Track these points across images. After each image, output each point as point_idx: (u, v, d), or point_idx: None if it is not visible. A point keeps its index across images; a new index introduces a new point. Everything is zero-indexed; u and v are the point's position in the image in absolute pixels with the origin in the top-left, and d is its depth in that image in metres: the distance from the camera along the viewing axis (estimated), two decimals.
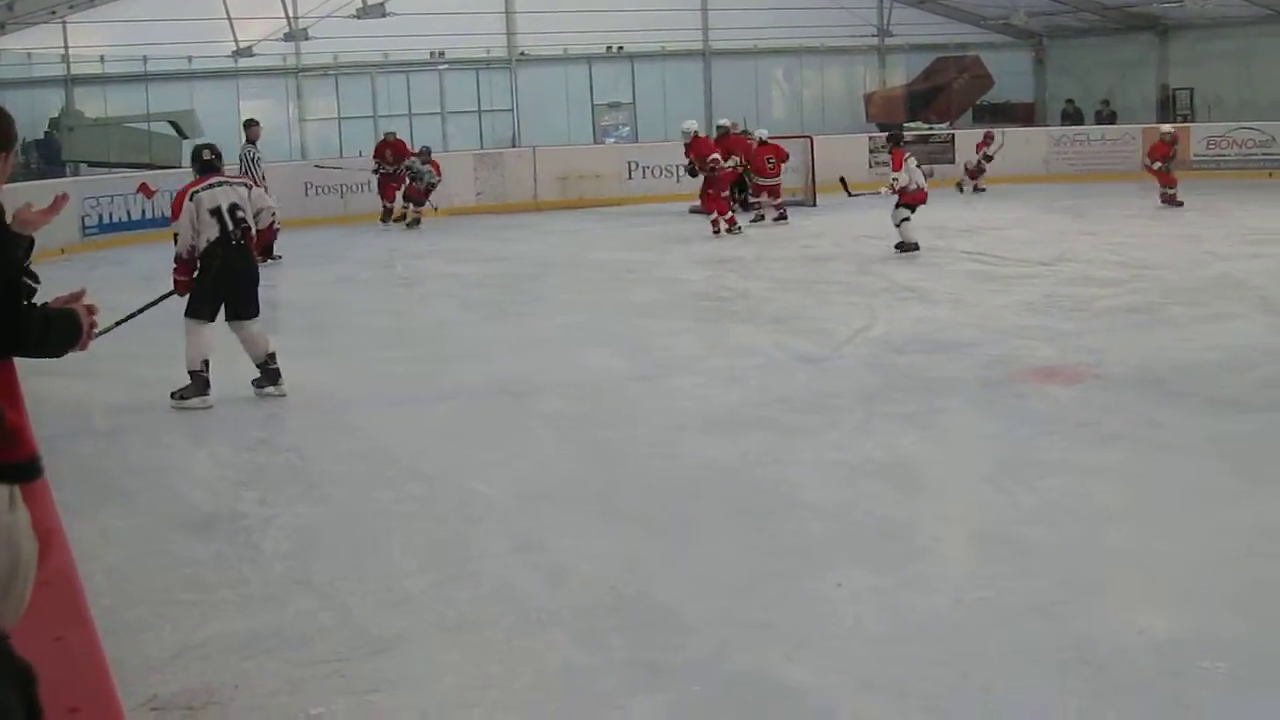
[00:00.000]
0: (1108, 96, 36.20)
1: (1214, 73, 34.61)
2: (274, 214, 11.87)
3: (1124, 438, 9.17)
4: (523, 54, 35.85)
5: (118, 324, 11.19)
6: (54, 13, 31.58)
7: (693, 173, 24.30)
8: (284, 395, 11.24)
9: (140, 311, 11.70)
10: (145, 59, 31.92)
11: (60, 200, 5.14)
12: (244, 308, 11.33)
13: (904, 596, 6.38)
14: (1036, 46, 39.98)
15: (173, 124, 32.01)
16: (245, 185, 11.81)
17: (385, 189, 27.75)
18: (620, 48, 36.51)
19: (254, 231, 11.45)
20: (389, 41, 32.62)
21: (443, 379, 12.04)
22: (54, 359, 4.36)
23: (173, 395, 11.02)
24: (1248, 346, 12.03)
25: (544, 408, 10.80)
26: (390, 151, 27.62)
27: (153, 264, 17.25)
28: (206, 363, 11.13)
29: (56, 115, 31.89)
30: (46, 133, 31.63)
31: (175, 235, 11.36)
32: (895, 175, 19.57)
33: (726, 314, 15.32)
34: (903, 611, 6.19)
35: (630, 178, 30.67)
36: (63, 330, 4.29)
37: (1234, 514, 7.45)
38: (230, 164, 22.63)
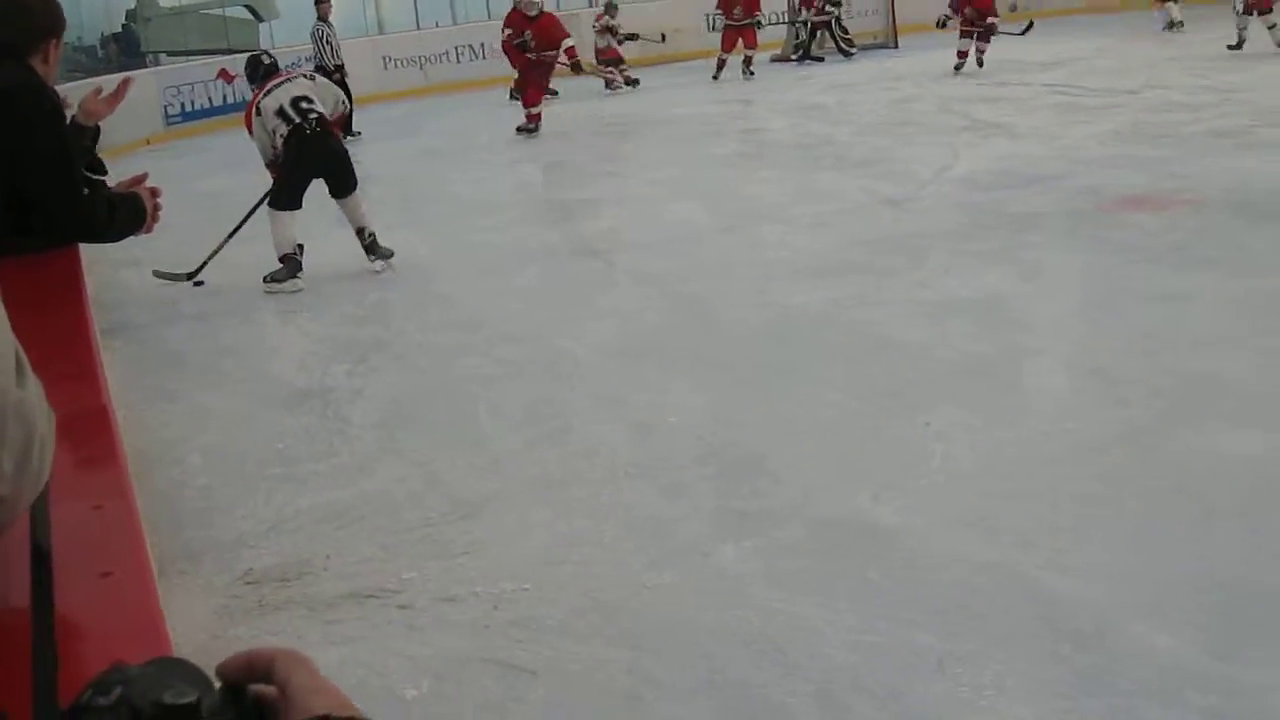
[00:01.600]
0: None
1: None
2: (341, 101, 11.91)
3: (1215, 263, 9.04)
4: None
5: (227, 238, 11.62)
6: None
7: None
8: (379, 272, 11.31)
9: (242, 223, 11.71)
10: None
11: (124, 85, 5.14)
12: (336, 186, 11.38)
13: (993, 432, 6.34)
14: None
15: (248, 7, 32.04)
16: (306, 76, 11.95)
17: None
18: None
19: (327, 116, 11.39)
20: None
21: (529, 243, 12.02)
22: (126, 239, 4.41)
23: (265, 279, 11.04)
24: None
25: (630, 264, 10.79)
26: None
27: (236, 149, 17.24)
28: (301, 246, 11.23)
29: (133, 7, 31.96)
30: (124, 25, 31.73)
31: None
32: None
33: (810, 161, 15.18)
34: (992, 447, 6.15)
35: (712, 29, 30.31)
36: (128, 214, 4.32)
37: None
38: (304, 43, 22.81)
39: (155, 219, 4.39)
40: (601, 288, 10.07)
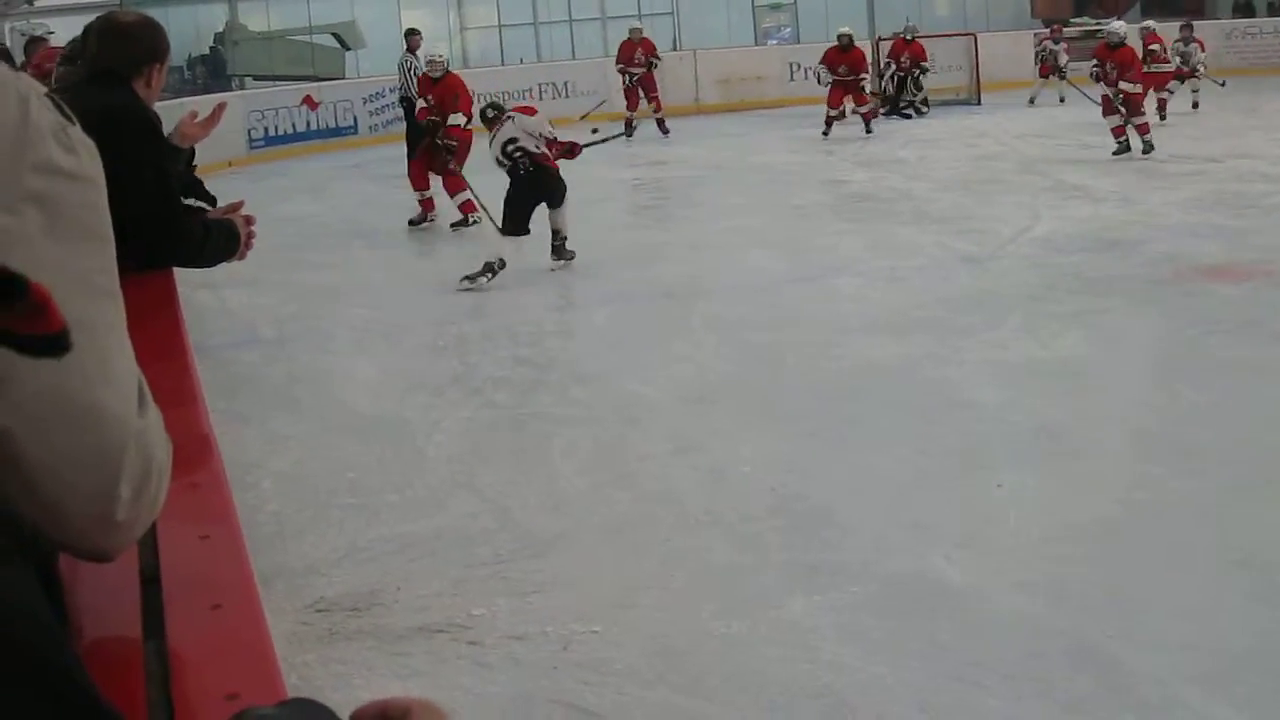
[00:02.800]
0: None
1: None
2: (543, 135, 12.82)
3: None
4: None
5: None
6: None
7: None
8: (553, 269, 12.45)
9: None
10: None
11: (219, 110, 5.19)
12: (549, 203, 12.65)
13: (1064, 497, 6.33)
14: None
15: (335, 35, 32.35)
16: (510, 117, 12.84)
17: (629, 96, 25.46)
18: None
19: (541, 151, 12.54)
20: None
21: (606, 283, 12.07)
22: (214, 268, 4.46)
23: (462, 278, 11.88)
24: None
25: (705, 310, 10.80)
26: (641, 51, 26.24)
27: (318, 175, 17.52)
28: (502, 262, 12.02)
29: (221, 30, 32.37)
30: (212, 47, 32.14)
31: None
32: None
33: (888, 215, 15.16)
34: (1062, 512, 6.14)
35: (792, 79, 30.34)
36: (222, 240, 4.37)
37: None
38: (387, 74, 22.95)
39: (249, 246, 4.44)
40: (676, 332, 10.08)
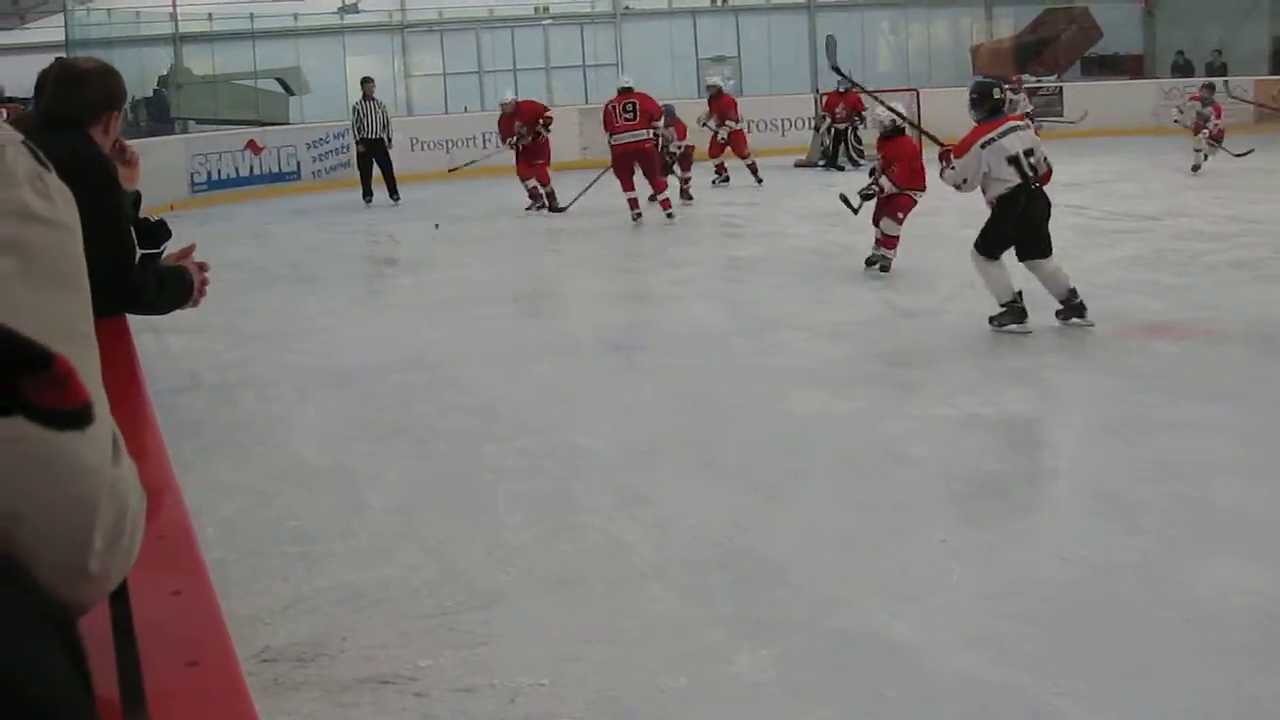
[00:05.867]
0: (1219, 47, 35.60)
1: None
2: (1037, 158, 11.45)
3: (1235, 395, 9.06)
4: (627, 8, 35.90)
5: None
6: None
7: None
8: (1090, 325, 11.15)
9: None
10: (252, 16, 32.27)
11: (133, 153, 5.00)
12: (1036, 247, 11.29)
13: (1008, 553, 6.36)
14: None
15: (280, 81, 32.33)
16: (1031, 128, 12.19)
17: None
18: (725, 1, 36.41)
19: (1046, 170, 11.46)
20: None
21: (547, 334, 12.09)
22: (162, 315, 4.45)
23: (990, 320, 11.32)
24: None
25: (648, 363, 10.83)
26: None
27: (261, 219, 17.48)
28: (1020, 294, 11.24)
29: (165, 73, 32.29)
30: (156, 90, 32.05)
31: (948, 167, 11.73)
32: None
33: (830, 269, 15.25)
34: (1007, 568, 6.17)
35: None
36: (175, 288, 4.37)
37: None
38: (336, 119, 23.08)
39: (203, 293, 4.43)
40: (620, 384, 10.11)
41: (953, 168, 11.52)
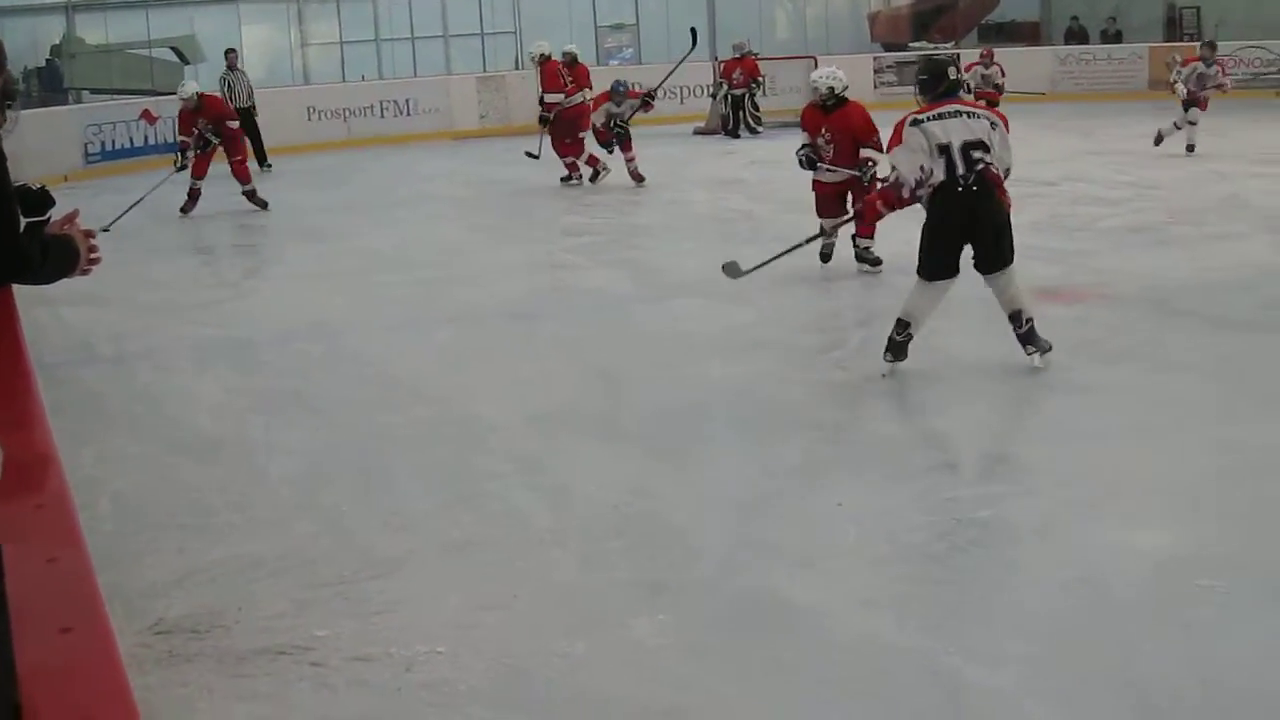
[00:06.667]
0: (1114, 14, 35.88)
1: None
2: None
3: (1127, 357, 9.16)
4: None
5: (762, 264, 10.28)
6: None
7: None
8: (1038, 367, 8.85)
9: (786, 253, 10.44)
10: None
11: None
12: (985, 259, 8.99)
13: (904, 516, 6.39)
14: None
15: (174, 50, 31.99)
16: (988, 119, 9.15)
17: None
18: None
19: (994, 171, 8.95)
20: None
21: (447, 303, 12.03)
22: (51, 284, 4.38)
23: (885, 353, 8.94)
24: (1252, 266, 11.98)
25: (548, 331, 10.83)
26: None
27: (157, 191, 17.27)
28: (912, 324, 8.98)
29: (58, 42, 31.84)
30: (48, 60, 31.58)
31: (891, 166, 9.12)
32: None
33: (730, 235, 15.25)
34: (903, 531, 6.21)
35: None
36: (60, 257, 4.29)
37: (1235, 433, 7.42)
38: (215, 89, 22.87)
39: (91, 261, 4.36)
40: (520, 353, 10.08)
41: (894, 176, 9.03)
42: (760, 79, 27.40)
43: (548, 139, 20.67)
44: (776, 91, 28.82)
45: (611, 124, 19.62)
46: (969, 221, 8.87)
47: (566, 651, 5.07)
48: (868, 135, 12.37)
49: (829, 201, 12.65)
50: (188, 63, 31.14)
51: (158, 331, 11.19)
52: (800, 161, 12.86)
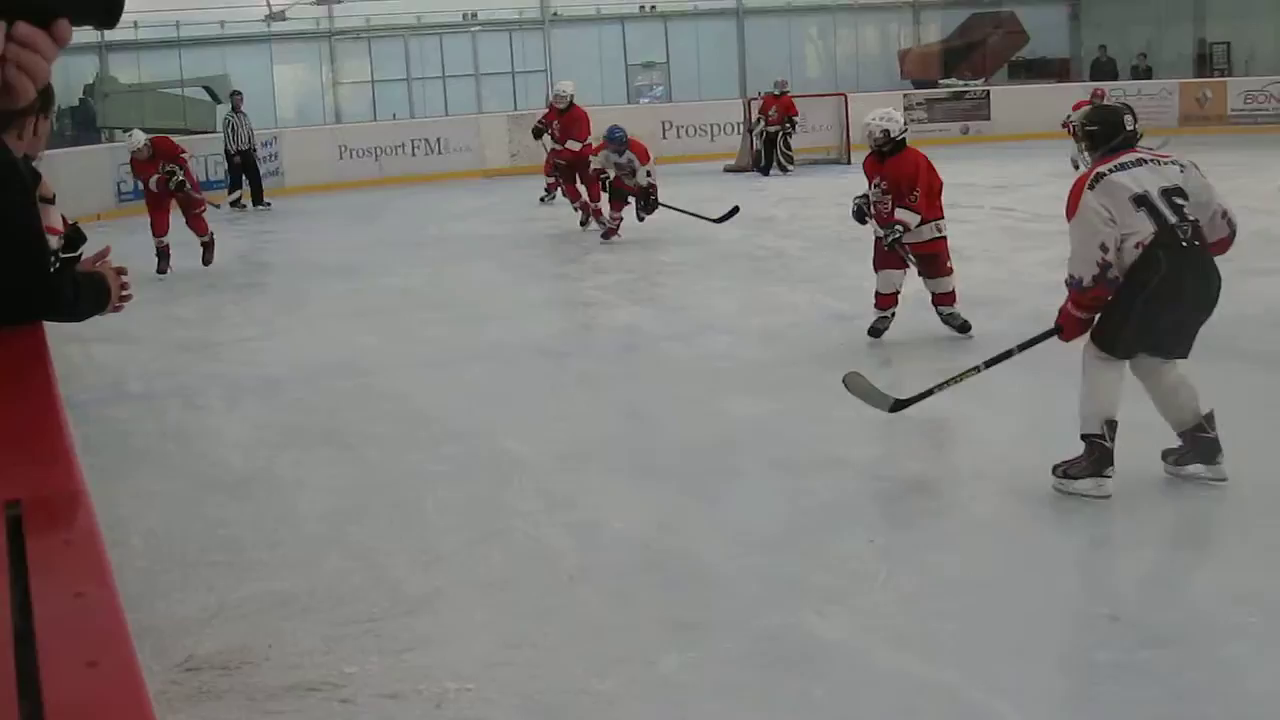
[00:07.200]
0: (1144, 50, 35.86)
1: (1250, 26, 34.35)
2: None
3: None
4: (555, 14, 35.83)
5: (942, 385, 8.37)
6: None
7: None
8: (1223, 480, 7.15)
9: (1005, 357, 8.30)
10: (178, 24, 32.02)
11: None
12: (1173, 341, 7.30)
13: (936, 553, 6.38)
14: (1071, 1, 39.72)
15: (206, 89, 32.17)
16: (1176, 164, 7.45)
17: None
18: (653, 7, 36.47)
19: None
20: (422, 3, 32.83)
21: (478, 340, 12.06)
22: (83, 322, 4.40)
23: (1055, 470, 7.26)
24: None
25: (579, 367, 10.85)
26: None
27: (185, 229, 17.33)
28: (1111, 425, 7.24)
29: (91, 82, 32.03)
30: (81, 99, 31.78)
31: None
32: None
33: (761, 273, 15.28)
34: (935, 568, 6.19)
35: (664, 138, 30.43)
36: (91, 294, 4.31)
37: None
38: (272, 128, 23.07)
39: (123, 299, 4.38)
40: (550, 389, 10.10)
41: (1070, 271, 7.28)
42: (796, 117, 27.40)
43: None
44: (807, 129, 28.77)
45: (606, 180, 18.45)
46: (1204, 289, 7.25)
47: (596, 689, 5.07)
48: (905, 192, 11.09)
49: (885, 256, 11.38)
50: (219, 102, 31.29)
51: (189, 369, 11.24)
52: (852, 213, 11.67)
